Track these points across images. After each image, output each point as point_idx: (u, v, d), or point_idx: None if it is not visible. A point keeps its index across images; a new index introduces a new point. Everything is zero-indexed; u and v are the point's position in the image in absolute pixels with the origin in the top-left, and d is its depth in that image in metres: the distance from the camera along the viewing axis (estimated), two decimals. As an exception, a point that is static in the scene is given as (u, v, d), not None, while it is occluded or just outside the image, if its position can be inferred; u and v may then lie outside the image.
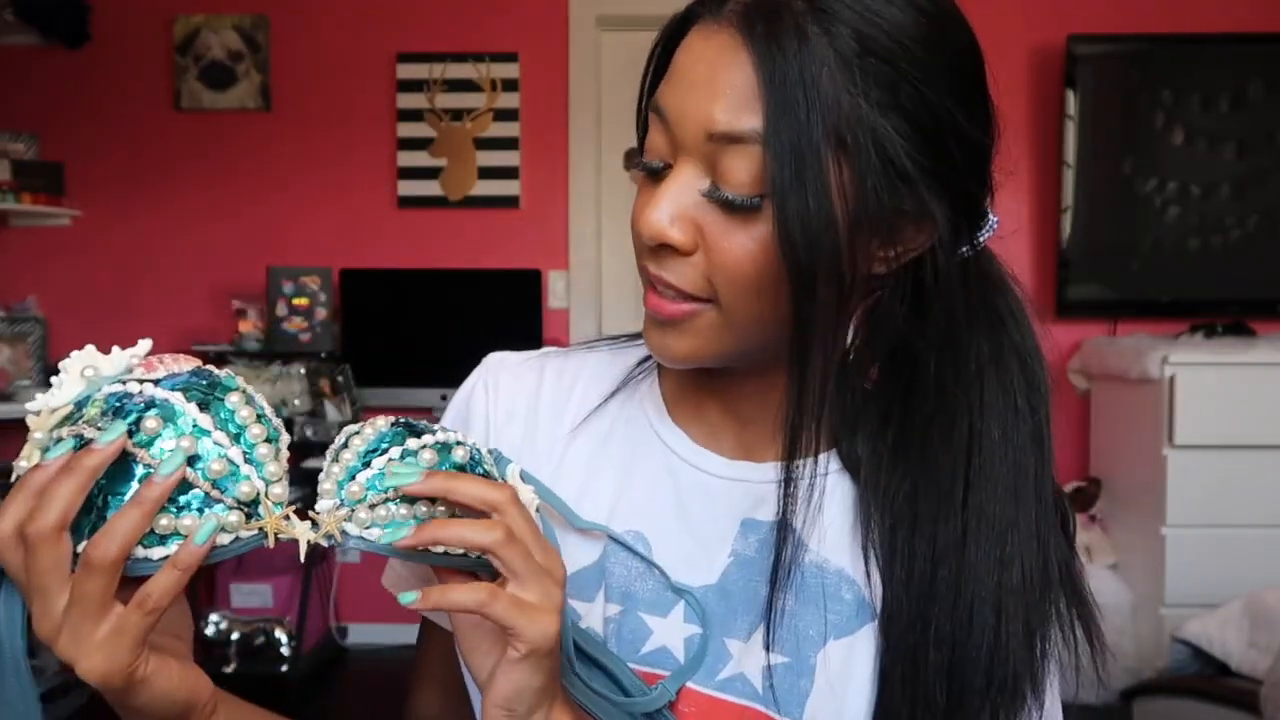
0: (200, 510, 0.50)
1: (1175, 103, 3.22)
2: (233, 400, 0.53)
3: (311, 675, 3.16)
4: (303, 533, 0.52)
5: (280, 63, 3.48)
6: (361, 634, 3.49)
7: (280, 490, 0.52)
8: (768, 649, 0.63)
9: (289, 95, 3.49)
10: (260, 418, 0.53)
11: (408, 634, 3.42)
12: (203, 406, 0.51)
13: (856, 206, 0.55)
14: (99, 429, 0.49)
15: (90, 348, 0.52)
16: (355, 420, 0.66)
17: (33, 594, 0.49)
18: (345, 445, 0.55)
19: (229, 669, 3.02)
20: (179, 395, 0.51)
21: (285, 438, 0.54)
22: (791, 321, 0.57)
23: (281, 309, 3.27)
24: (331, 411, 3.25)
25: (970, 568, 0.60)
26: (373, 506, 0.53)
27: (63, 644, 0.48)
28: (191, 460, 0.50)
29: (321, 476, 0.54)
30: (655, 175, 0.60)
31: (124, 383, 0.52)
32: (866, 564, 0.63)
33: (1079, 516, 3.17)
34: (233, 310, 3.40)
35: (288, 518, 0.52)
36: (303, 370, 3.32)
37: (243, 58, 3.48)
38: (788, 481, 0.61)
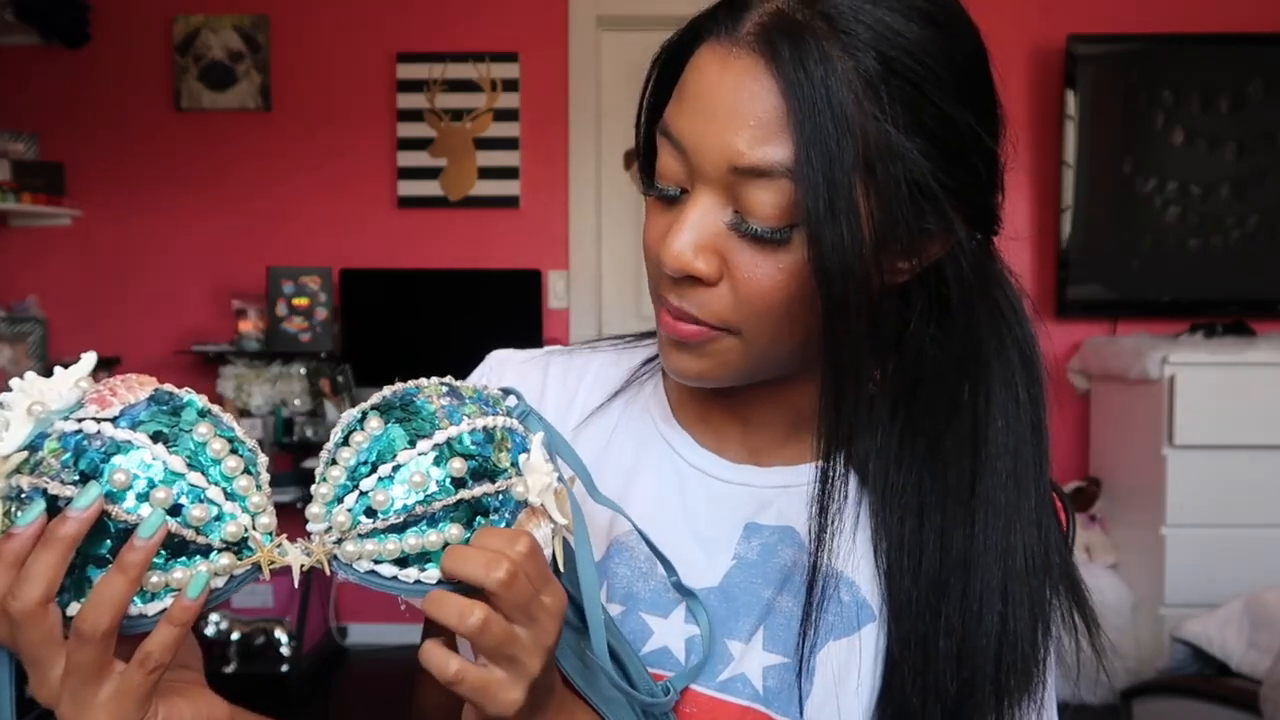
0: (188, 559, 0.49)
1: (1175, 103, 3.21)
2: (201, 432, 0.49)
3: (311, 675, 3.16)
4: (295, 559, 0.51)
5: (280, 63, 3.48)
6: (361, 634, 3.49)
7: (267, 520, 0.50)
8: (800, 656, 0.63)
9: (289, 95, 3.49)
10: (233, 446, 0.51)
11: (407, 634, 3.42)
12: (170, 443, 0.49)
13: (884, 230, 0.54)
14: (63, 482, 0.47)
15: (31, 375, 0.49)
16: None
17: (27, 664, 0.48)
18: (334, 461, 0.52)
19: (229, 669, 3.02)
20: (143, 436, 0.48)
21: (263, 459, 0.52)
22: (823, 346, 0.57)
23: (281, 309, 3.27)
24: (331, 411, 3.25)
25: (978, 556, 0.60)
26: (362, 536, 0.50)
27: (65, 710, 0.47)
28: (172, 510, 0.48)
29: (314, 488, 0.52)
30: (671, 200, 0.58)
31: (80, 420, 0.48)
32: (875, 559, 0.63)
33: (1079, 516, 3.17)
34: (233, 310, 3.39)
35: (279, 545, 0.51)
36: (303, 370, 3.32)
37: (243, 58, 3.48)
38: (824, 486, 0.61)
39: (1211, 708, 2.07)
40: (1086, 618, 0.64)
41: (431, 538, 0.50)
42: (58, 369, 0.50)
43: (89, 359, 0.51)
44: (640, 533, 0.64)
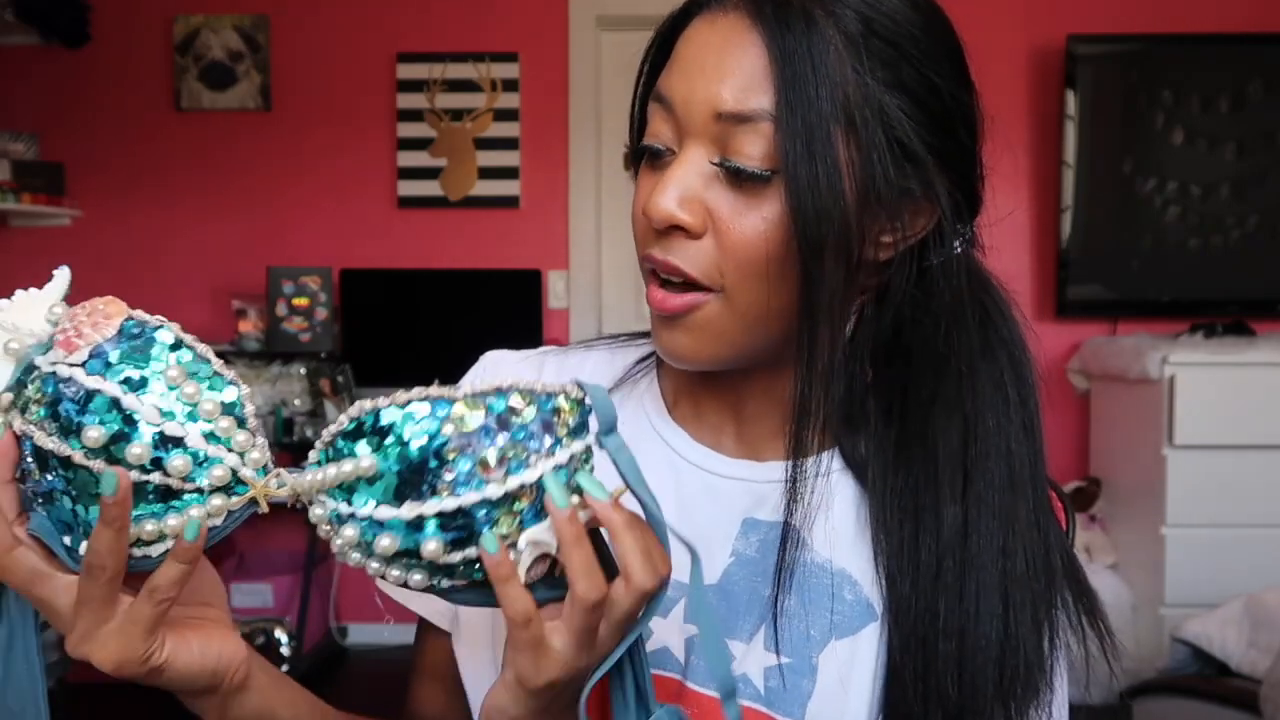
0: (181, 504, 0.49)
1: (1175, 103, 3.21)
2: (173, 376, 0.48)
3: (311, 675, 3.16)
4: (298, 488, 0.49)
5: (280, 63, 3.48)
6: (361, 634, 3.49)
7: (258, 454, 0.49)
8: (776, 651, 0.62)
9: (289, 95, 3.49)
10: (210, 384, 0.50)
11: (408, 634, 3.40)
12: (141, 388, 0.47)
13: (864, 184, 0.56)
14: (47, 433, 0.47)
15: (2, 304, 0.49)
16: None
17: (31, 601, 0.50)
18: (322, 462, 0.50)
19: (229, 669, 3.01)
20: (113, 385, 0.47)
21: (245, 390, 0.51)
22: (799, 301, 0.57)
23: (281, 309, 3.27)
24: (331, 412, 3.25)
25: (974, 556, 0.60)
26: (350, 548, 0.50)
27: (74, 640, 0.49)
28: (153, 462, 0.47)
29: (312, 455, 0.50)
30: (657, 158, 0.60)
31: (53, 363, 0.48)
32: (876, 560, 0.63)
33: (1079, 516, 3.17)
34: (233, 310, 3.40)
35: (278, 477, 0.50)
36: (303, 370, 3.32)
37: (243, 58, 3.48)
38: (794, 479, 0.61)
39: (1211, 708, 2.07)
40: (1099, 624, 0.64)
41: (395, 573, 0.50)
42: (19, 293, 0.49)
43: (62, 277, 0.50)
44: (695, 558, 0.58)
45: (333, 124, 3.48)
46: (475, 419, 0.47)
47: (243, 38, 3.47)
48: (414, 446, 0.47)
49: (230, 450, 0.49)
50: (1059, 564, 0.63)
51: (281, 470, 0.50)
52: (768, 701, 0.62)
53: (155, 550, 0.49)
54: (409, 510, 0.47)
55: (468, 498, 0.47)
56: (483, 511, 0.47)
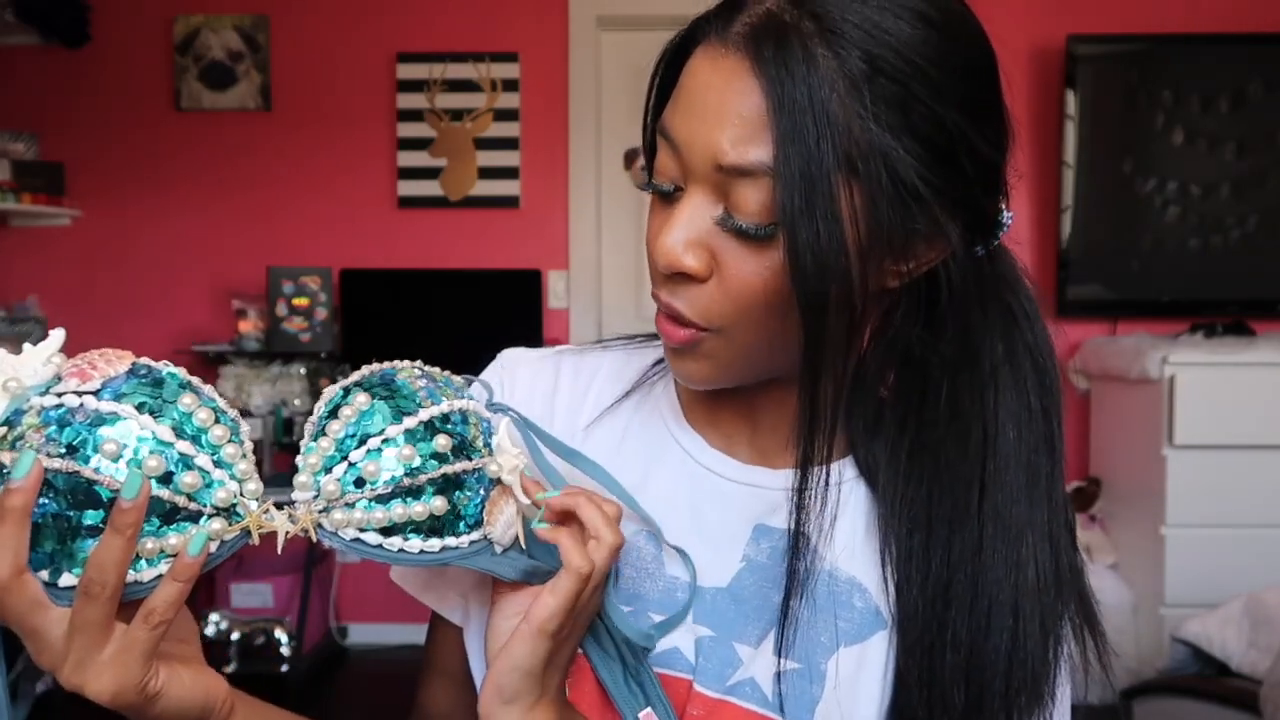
0: (181, 525, 0.50)
1: (1175, 103, 3.22)
2: (186, 402, 0.51)
3: (311, 675, 3.16)
4: (281, 525, 0.53)
5: (280, 63, 3.48)
6: (361, 634, 3.48)
7: (254, 486, 0.52)
8: (781, 655, 0.62)
9: (289, 95, 3.49)
10: (218, 415, 0.52)
11: (407, 634, 3.43)
12: (155, 413, 0.50)
13: (869, 230, 0.54)
14: (49, 455, 0.48)
15: (0, 352, 0.50)
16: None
17: (23, 634, 0.49)
18: (323, 432, 0.54)
19: (229, 669, 3.01)
20: (128, 407, 0.49)
21: (245, 428, 0.54)
22: (802, 345, 0.56)
23: (281, 309, 3.27)
24: (331, 411, 3.25)
25: (986, 570, 0.60)
26: (349, 505, 0.53)
27: (68, 670, 0.49)
28: (163, 478, 0.49)
29: (300, 458, 0.54)
30: (667, 197, 0.59)
31: (59, 395, 0.49)
32: (883, 569, 0.63)
33: (1079, 516, 3.17)
34: (233, 310, 3.39)
35: (267, 511, 0.53)
36: (303, 370, 3.32)
37: (243, 58, 3.48)
38: (801, 493, 0.61)
39: (1211, 708, 2.07)
40: (1095, 634, 0.64)
41: (416, 509, 0.53)
42: (26, 346, 0.51)
43: (58, 335, 0.52)
44: (646, 517, 0.64)
45: (333, 124, 3.48)
46: (415, 373, 0.58)
47: (243, 38, 3.47)
48: (389, 384, 0.56)
49: (233, 477, 0.52)
50: (1067, 577, 0.62)
51: (270, 504, 0.53)
52: (775, 707, 0.62)
53: (146, 576, 0.50)
54: (411, 420, 0.54)
55: (445, 406, 0.56)
56: (458, 416, 0.56)
